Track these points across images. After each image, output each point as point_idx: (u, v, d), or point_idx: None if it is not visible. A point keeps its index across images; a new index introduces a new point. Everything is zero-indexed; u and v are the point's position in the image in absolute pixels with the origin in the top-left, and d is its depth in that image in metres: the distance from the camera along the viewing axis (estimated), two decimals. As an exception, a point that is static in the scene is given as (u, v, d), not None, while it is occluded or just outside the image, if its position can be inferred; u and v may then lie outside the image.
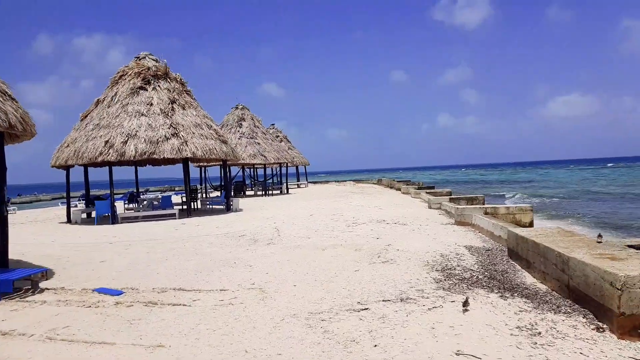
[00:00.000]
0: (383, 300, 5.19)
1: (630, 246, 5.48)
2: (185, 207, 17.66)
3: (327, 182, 51.09)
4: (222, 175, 19.95)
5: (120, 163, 17.67)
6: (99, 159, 15.20)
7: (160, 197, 19.11)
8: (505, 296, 5.25)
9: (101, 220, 16.17)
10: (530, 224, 10.99)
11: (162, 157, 15.60)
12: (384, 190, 30.63)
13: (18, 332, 4.81)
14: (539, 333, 4.05)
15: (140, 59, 17.72)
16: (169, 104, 16.54)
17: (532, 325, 4.25)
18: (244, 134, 28.63)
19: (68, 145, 16.07)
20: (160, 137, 15.58)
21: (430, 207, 16.35)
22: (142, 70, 16.99)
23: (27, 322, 5.12)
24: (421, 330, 4.22)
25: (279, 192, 31.92)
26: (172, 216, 16.32)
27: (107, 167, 16.38)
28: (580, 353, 3.64)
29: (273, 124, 41.79)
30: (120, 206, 20.49)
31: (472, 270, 6.63)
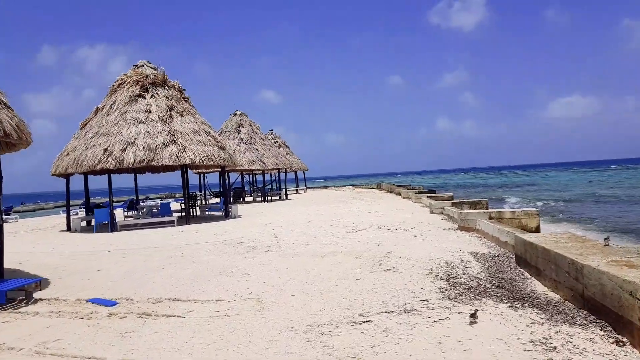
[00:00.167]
0: (386, 312, 4.94)
1: (645, 252, 5.22)
2: (184, 214, 17.44)
3: (326, 187, 50.86)
4: (221, 181, 19.73)
5: (119, 171, 17.48)
6: (98, 167, 15.03)
7: (159, 204, 18.89)
8: (516, 306, 5.00)
9: (100, 228, 15.96)
10: (537, 229, 10.72)
11: (160, 164, 15.43)
12: (384, 195, 30.38)
13: (7, 346, 4.61)
14: (555, 348, 3.80)
15: (138, 67, 17.61)
16: (167, 111, 16.39)
17: (547, 339, 3.99)
18: (242, 140, 28.47)
19: (68, 154, 15.92)
20: (159, 144, 15.40)
21: (432, 212, 16.10)
22: (140, 78, 16.87)
23: (18, 334, 4.93)
24: (427, 345, 3.97)
25: (278, 198, 31.70)
26: (170, 223, 16.11)
27: (107, 175, 16.20)
28: (599, 369, 3.40)
29: (271, 130, 41.68)
30: (120, 214, 20.31)
31: (478, 278, 6.38)
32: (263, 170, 31.94)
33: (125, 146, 15.00)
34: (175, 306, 5.70)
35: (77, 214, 23.50)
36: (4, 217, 25.16)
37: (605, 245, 6.42)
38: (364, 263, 7.59)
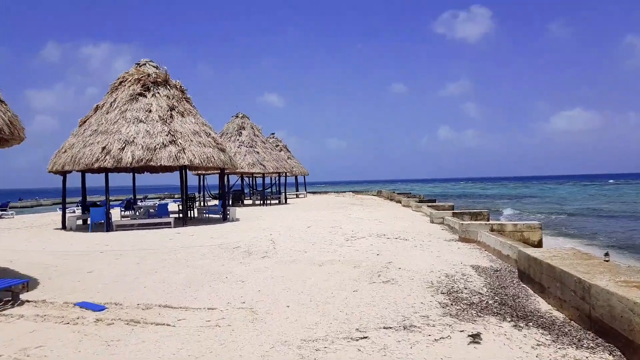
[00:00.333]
0: (384, 328, 4.73)
1: (656, 273, 5.02)
2: (181, 215, 17.23)
3: (326, 192, 50.63)
4: (220, 183, 19.53)
5: (117, 170, 17.29)
6: (96, 165, 14.84)
7: (156, 205, 18.69)
8: (520, 326, 4.79)
9: (96, 227, 15.75)
10: (539, 243, 10.52)
11: (158, 164, 15.24)
12: (384, 202, 30.17)
13: (-15, 352, 4.38)
14: (562, 373, 3.59)
15: (140, 66, 17.47)
16: (167, 111, 16.22)
17: (553, 363, 3.79)
18: (243, 143, 28.29)
19: (65, 151, 15.75)
20: (158, 144, 15.22)
21: (432, 222, 15.89)
22: (142, 77, 16.72)
23: (-1, 339, 4.71)
24: (427, 366, 3.76)
25: (277, 202, 31.47)
26: (167, 225, 15.89)
27: (106, 174, 16.00)
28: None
29: (273, 133, 41.48)
30: (117, 213, 20.09)
31: (480, 293, 6.17)
32: (263, 174, 31.72)
33: (124, 145, 14.82)
34: (165, 313, 5.49)
35: (74, 212, 23.30)
36: (0, 212, 24.86)
37: (605, 261, 6.26)
38: (362, 273, 7.38)
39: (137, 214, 17.78)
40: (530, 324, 4.91)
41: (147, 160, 14.92)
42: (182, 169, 17.19)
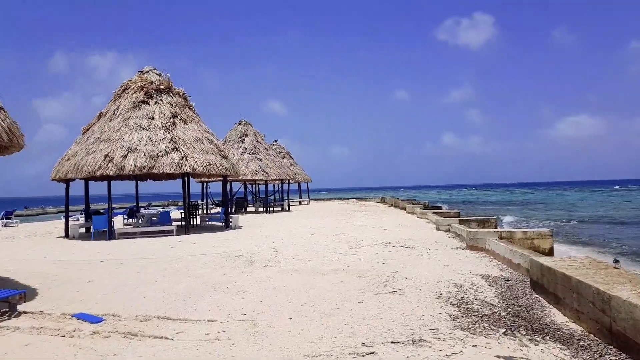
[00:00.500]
0: (392, 342, 4.49)
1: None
2: (183, 223, 17.04)
3: (329, 199, 50.35)
4: (223, 191, 19.36)
5: (119, 177, 17.19)
6: (98, 173, 14.73)
7: (159, 212, 18.53)
8: (536, 340, 4.53)
9: (98, 235, 15.60)
10: (550, 251, 10.22)
11: (161, 171, 15.10)
12: (388, 209, 29.87)
13: (-25, 368, 4.20)
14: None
15: (144, 73, 17.42)
16: (170, 118, 16.12)
17: (575, 383, 3.53)
18: (246, 150, 28.16)
19: (68, 159, 15.66)
20: (161, 152, 15.10)
21: (438, 229, 15.61)
22: (145, 84, 16.65)
23: (-9, 353, 4.52)
24: (440, 385, 3.52)
25: (280, 209, 31.26)
26: (169, 233, 15.71)
27: (108, 181, 15.87)
28: None
29: (276, 140, 41.38)
30: (120, 221, 19.96)
31: (492, 305, 5.91)
32: (266, 181, 31.54)
33: (126, 152, 14.70)
34: (164, 325, 5.28)
35: (77, 220, 23.19)
36: (5, 221, 24.79)
37: (615, 268, 6.02)
38: (367, 283, 7.14)
39: (140, 221, 17.62)
40: (547, 337, 4.66)
41: (150, 167, 14.79)
42: (185, 176, 17.04)
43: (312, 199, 46.34)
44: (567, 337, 4.65)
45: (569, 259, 6.62)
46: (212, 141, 17.16)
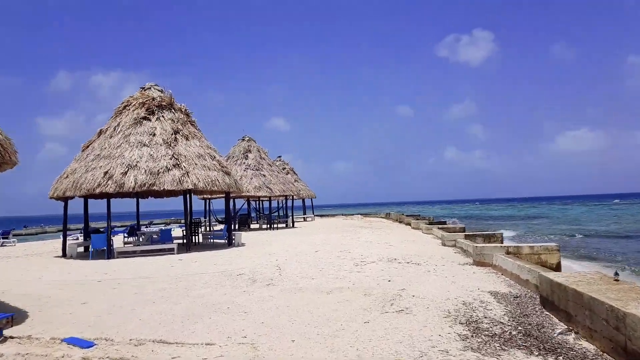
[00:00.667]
0: (400, 365, 4.25)
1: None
2: (185, 241, 16.85)
3: (334, 215, 50.04)
4: (225, 207, 19.18)
5: (119, 195, 17.06)
6: (97, 190, 14.61)
7: (159, 230, 18.34)
8: (551, 362, 4.29)
9: (97, 254, 15.39)
10: (558, 266, 9.96)
11: (162, 188, 14.97)
12: (393, 225, 29.58)
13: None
14: None
15: (145, 89, 17.46)
16: (172, 134, 16.07)
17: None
18: (249, 166, 28.07)
19: (67, 176, 15.57)
20: (162, 168, 15.00)
21: (444, 244, 15.34)
22: (146, 101, 16.66)
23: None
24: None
25: (284, 225, 31.01)
26: (170, 251, 15.49)
27: (108, 199, 15.75)
28: None
29: (280, 156, 41.37)
30: (120, 240, 19.76)
31: (502, 323, 5.66)
32: (270, 197, 31.38)
33: (126, 169, 14.60)
34: (159, 350, 5.05)
35: (77, 238, 23.01)
36: (2, 240, 24.58)
37: (615, 281, 5.77)
38: (373, 302, 6.90)
39: (140, 240, 17.43)
40: (560, 358, 4.42)
41: (150, 184, 14.67)
42: (186, 193, 16.90)
43: (317, 215, 46.07)
44: (581, 356, 4.41)
45: (579, 275, 6.38)
46: (215, 157, 17.08)
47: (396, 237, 19.42)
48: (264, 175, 28.16)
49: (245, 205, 34.40)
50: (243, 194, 24.72)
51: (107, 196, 15.44)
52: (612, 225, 36.95)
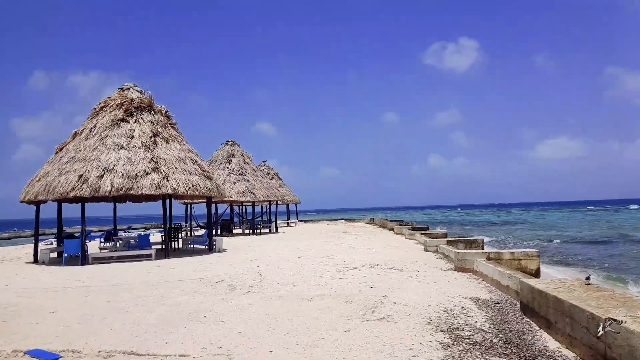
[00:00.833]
0: (380, 377, 4.13)
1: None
2: (164, 246, 16.43)
3: (318, 220, 49.87)
4: (207, 212, 18.84)
5: (95, 199, 16.60)
6: (71, 194, 14.12)
7: (137, 236, 17.88)
8: (533, 371, 4.22)
9: (71, 260, 14.87)
10: (537, 271, 10.03)
11: (140, 192, 14.57)
12: (377, 230, 29.59)
13: None
14: None
15: (124, 90, 17.01)
16: (151, 137, 15.69)
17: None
18: (233, 170, 27.71)
19: (39, 179, 15.03)
20: (140, 172, 14.61)
21: (426, 250, 15.36)
22: (124, 102, 16.24)
23: None
24: None
25: (267, 231, 30.70)
26: (148, 257, 15.08)
27: (82, 203, 15.26)
28: None
29: (264, 161, 41.06)
30: (96, 245, 19.19)
31: (483, 330, 5.60)
32: (253, 202, 31.03)
33: (102, 173, 14.17)
34: (129, 362, 4.82)
35: (51, 243, 22.24)
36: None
37: (586, 284, 5.84)
38: (355, 309, 6.77)
39: (117, 245, 16.94)
40: (543, 367, 4.36)
41: (128, 188, 14.26)
42: (166, 197, 16.52)
43: (301, 220, 45.81)
44: (564, 366, 4.36)
45: (559, 281, 6.39)
46: (196, 161, 16.75)
47: (379, 242, 19.38)
48: (248, 180, 27.83)
49: (228, 210, 33.96)
50: (225, 198, 24.37)
51: (82, 200, 14.97)
52: (587, 231, 37.78)
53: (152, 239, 19.66)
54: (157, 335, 5.78)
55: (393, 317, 6.25)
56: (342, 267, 11.48)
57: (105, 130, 15.34)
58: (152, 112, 16.60)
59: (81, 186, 13.89)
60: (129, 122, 15.76)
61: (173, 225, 20.70)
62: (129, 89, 16.94)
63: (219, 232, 28.92)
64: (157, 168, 14.95)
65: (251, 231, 28.87)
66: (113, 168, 14.33)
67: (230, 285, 9.39)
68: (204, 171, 16.85)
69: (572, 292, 5.53)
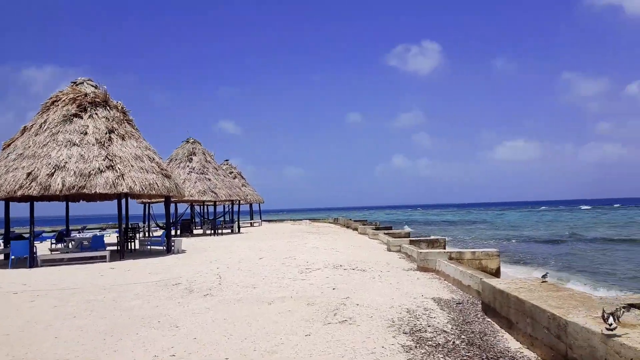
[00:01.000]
0: (341, 383, 3.97)
1: (631, 305, 4.66)
2: (119, 248, 15.66)
3: (282, 220, 49.50)
4: (165, 212, 18.15)
5: (45, 198, 15.59)
6: (19, 193, 13.20)
7: (91, 237, 16.96)
8: (494, 373, 4.20)
9: (19, 262, 13.88)
10: (497, 271, 10.26)
11: (93, 191, 13.81)
12: (340, 230, 29.64)
13: None
14: None
15: (77, 84, 16.08)
16: (106, 133, 14.91)
17: None
18: (194, 169, 26.93)
19: (-17, 177, 13.94)
20: (93, 170, 13.84)
21: (389, 250, 15.45)
22: (78, 96, 15.36)
23: None
24: None
25: (230, 231, 30.07)
26: (102, 259, 14.31)
27: (31, 202, 14.28)
28: None
29: (227, 160, 40.31)
30: (47, 246, 18.06)
31: (445, 331, 5.58)
32: (215, 202, 30.32)
33: (53, 170, 13.31)
34: (71, 375, 4.43)
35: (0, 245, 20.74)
36: None
37: (542, 282, 5.96)
38: (316, 312, 6.60)
39: (70, 246, 15.99)
40: (504, 368, 4.35)
41: (80, 187, 13.48)
42: (121, 196, 15.76)
43: (265, 220, 45.28)
44: (525, 366, 4.37)
45: (520, 281, 6.48)
46: (154, 159, 16.08)
47: (343, 242, 19.36)
48: (209, 179, 27.13)
49: (189, 210, 33.02)
50: (186, 198, 23.64)
51: (31, 199, 14.02)
52: (543, 230, 39.48)
53: (107, 239, 18.73)
54: (105, 344, 5.39)
55: (355, 319, 6.14)
56: (304, 268, 11.30)
57: (57, 126, 14.43)
58: (108, 107, 15.80)
59: (29, 184, 12.99)
60: (82, 118, 14.92)
61: (130, 226, 19.83)
62: (82, 83, 16.04)
63: (178, 232, 28.04)
64: (112, 166, 14.22)
65: (213, 231, 28.18)
66: (64, 165, 13.50)
67: (188, 288, 9.00)
68: (162, 169, 16.21)
69: (532, 292, 5.59)
